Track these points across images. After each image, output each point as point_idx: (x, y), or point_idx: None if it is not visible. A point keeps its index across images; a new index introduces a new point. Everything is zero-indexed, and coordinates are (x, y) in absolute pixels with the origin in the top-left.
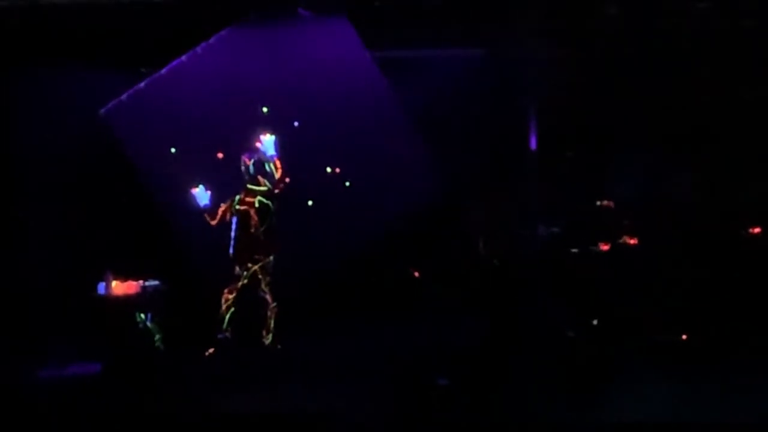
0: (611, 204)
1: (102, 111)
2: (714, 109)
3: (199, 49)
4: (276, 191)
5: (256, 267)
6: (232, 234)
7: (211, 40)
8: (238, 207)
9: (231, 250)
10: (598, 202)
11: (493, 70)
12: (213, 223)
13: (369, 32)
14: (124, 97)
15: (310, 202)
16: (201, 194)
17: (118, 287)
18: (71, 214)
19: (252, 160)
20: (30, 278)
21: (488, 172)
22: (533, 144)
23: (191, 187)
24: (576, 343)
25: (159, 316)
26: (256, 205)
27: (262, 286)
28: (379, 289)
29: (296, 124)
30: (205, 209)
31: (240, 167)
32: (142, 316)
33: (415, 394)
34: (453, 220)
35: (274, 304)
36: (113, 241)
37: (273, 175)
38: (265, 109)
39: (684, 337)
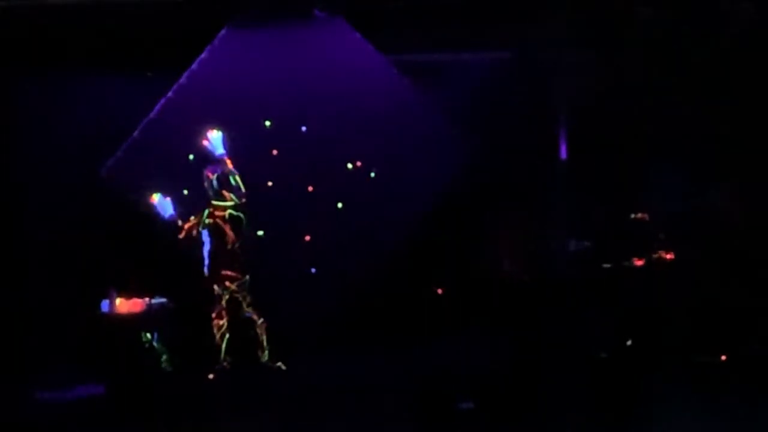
0: (646, 216)
1: (102, 172)
2: (755, 117)
3: (196, 66)
4: (243, 201)
5: (233, 286)
6: (205, 251)
7: (208, 54)
8: (207, 221)
9: (206, 270)
10: (632, 215)
11: (520, 74)
12: (180, 236)
13: (388, 35)
14: (120, 152)
15: (339, 205)
16: (162, 203)
17: (123, 305)
18: (73, 228)
19: (215, 174)
20: (30, 296)
21: (515, 182)
22: (563, 152)
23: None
24: (609, 365)
25: (166, 335)
26: (226, 217)
27: (244, 306)
28: (399, 306)
29: (303, 129)
30: (170, 220)
31: (203, 183)
32: (148, 335)
33: (436, 419)
34: (477, 233)
35: (261, 320)
36: (117, 256)
37: (239, 188)
38: (267, 123)
39: (723, 358)
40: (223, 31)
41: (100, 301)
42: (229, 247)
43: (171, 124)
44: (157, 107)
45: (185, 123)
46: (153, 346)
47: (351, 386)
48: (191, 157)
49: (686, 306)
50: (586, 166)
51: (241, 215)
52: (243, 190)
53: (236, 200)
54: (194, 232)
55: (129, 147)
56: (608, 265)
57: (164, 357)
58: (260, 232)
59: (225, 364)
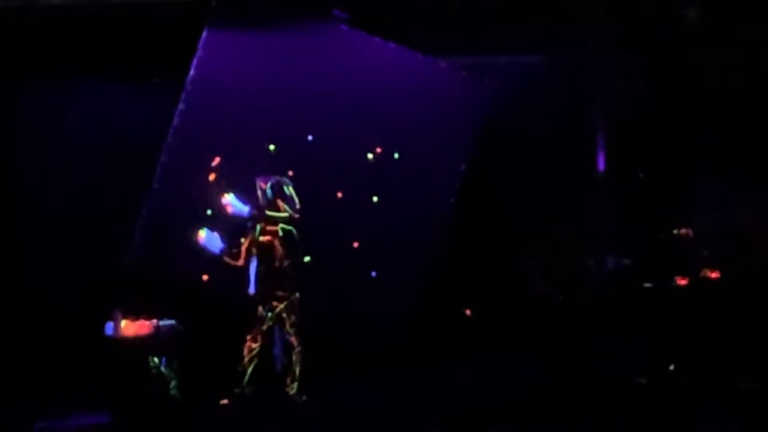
0: (689, 232)
1: (127, 263)
2: None
3: (182, 106)
4: (296, 216)
5: (281, 306)
6: (253, 270)
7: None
8: (261, 238)
9: (252, 289)
10: (675, 231)
11: (555, 80)
12: (239, 263)
13: (417, 37)
14: (136, 237)
15: (375, 198)
16: (210, 239)
17: (129, 327)
18: (75, 244)
19: (269, 183)
20: (30, 318)
21: (549, 195)
22: (601, 164)
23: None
24: (649, 391)
25: (175, 360)
26: (280, 233)
27: (287, 327)
28: (424, 328)
29: (310, 138)
30: (223, 253)
31: (256, 192)
32: (156, 360)
33: None
34: (509, 250)
35: (299, 348)
36: (122, 274)
37: (293, 199)
38: (272, 147)
39: None
40: (212, 34)
41: (103, 323)
42: (278, 264)
43: (182, 186)
44: (159, 172)
45: (197, 165)
46: (161, 372)
47: (375, 415)
48: (209, 212)
49: (732, 328)
50: (626, 179)
51: (293, 230)
52: (297, 202)
53: (290, 211)
54: (253, 252)
55: (141, 228)
56: (649, 285)
57: (173, 384)
58: (307, 258)
59: (245, 391)
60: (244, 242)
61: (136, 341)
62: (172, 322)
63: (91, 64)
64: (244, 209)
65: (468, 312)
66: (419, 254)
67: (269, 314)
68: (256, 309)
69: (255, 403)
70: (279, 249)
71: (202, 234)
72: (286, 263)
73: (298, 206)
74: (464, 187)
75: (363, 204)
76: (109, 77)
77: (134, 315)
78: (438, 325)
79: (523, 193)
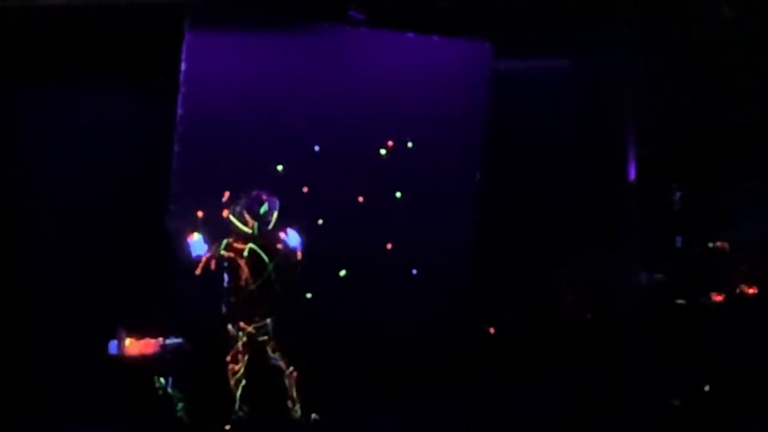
0: (725, 246)
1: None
2: None
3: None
4: (278, 246)
5: (250, 328)
6: (225, 286)
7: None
8: (223, 253)
9: (223, 307)
10: (710, 244)
11: (583, 85)
12: (196, 273)
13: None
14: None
15: (398, 194)
16: (197, 244)
17: (133, 346)
18: (77, 259)
19: (249, 196)
20: (28, 335)
21: (577, 207)
22: (632, 174)
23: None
24: (683, 414)
25: (182, 380)
26: (245, 254)
27: (269, 352)
28: (447, 346)
29: (317, 148)
30: (196, 260)
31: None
32: (162, 380)
33: None
34: (535, 265)
35: (290, 369)
36: (127, 290)
37: (267, 222)
38: (280, 167)
39: None
40: (233, 35)
41: (107, 342)
42: (243, 284)
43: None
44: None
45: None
46: (167, 393)
47: None
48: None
49: None
50: (658, 189)
51: (263, 255)
52: (270, 226)
53: (255, 231)
54: (212, 266)
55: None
56: (683, 301)
57: (180, 405)
58: (342, 272)
59: (241, 414)
60: (207, 253)
61: (141, 361)
62: (179, 340)
63: (93, 65)
64: (201, 251)
65: (491, 330)
66: (456, 245)
67: (239, 333)
68: (227, 328)
69: (260, 425)
70: (244, 269)
71: (195, 237)
72: (251, 286)
73: (291, 245)
74: (487, 198)
75: (387, 203)
76: (112, 80)
77: (139, 333)
78: (459, 343)
79: (549, 205)
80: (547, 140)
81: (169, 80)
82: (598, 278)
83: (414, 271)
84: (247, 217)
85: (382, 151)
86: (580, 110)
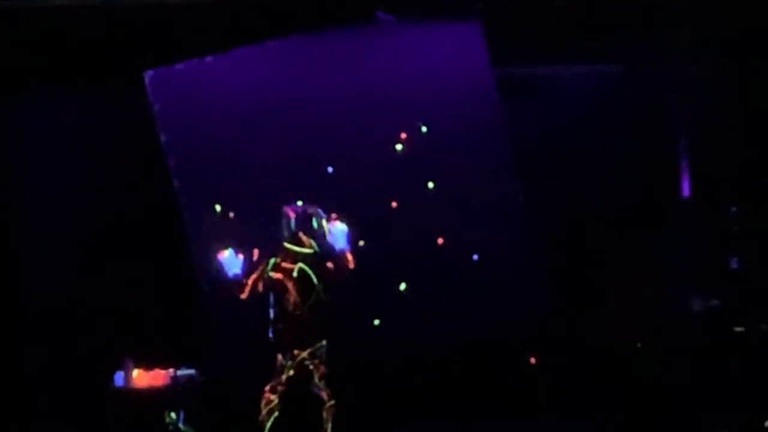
0: None
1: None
2: None
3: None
4: (329, 265)
5: (304, 354)
6: (271, 311)
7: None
8: (271, 274)
9: (270, 333)
10: None
11: (633, 93)
12: (243, 296)
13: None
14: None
15: (430, 184)
16: (231, 260)
17: (141, 378)
18: (78, 282)
19: (296, 213)
20: (26, 366)
21: (624, 226)
22: (685, 190)
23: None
24: None
25: (194, 415)
26: (295, 274)
27: (315, 379)
28: (482, 377)
29: (330, 170)
30: (235, 279)
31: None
32: (173, 415)
33: None
34: (579, 290)
35: (331, 402)
36: (134, 317)
37: (323, 235)
38: (330, 169)
39: None
40: (272, 42)
41: (113, 373)
42: (291, 308)
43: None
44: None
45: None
46: (179, 429)
47: None
48: None
49: None
50: (714, 207)
51: (313, 277)
52: (327, 238)
53: (316, 249)
54: (260, 288)
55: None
56: (741, 329)
57: None
58: (402, 286)
59: None
60: (254, 275)
61: (150, 393)
62: (192, 371)
63: (96, 68)
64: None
65: (533, 360)
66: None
67: (289, 362)
68: (275, 356)
69: None
70: (292, 292)
71: (226, 253)
72: (300, 309)
73: (341, 253)
74: (527, 215)
75: (422, 197)
76: (117, 84)
77: (148, 363)
78: (496, 374)
79: (595, 224)
80: (594, 153)
81: None
82: (648, 304)
83: (475, 257)
84: (304, 237)
85: (398, 147)
86: (629, 120)
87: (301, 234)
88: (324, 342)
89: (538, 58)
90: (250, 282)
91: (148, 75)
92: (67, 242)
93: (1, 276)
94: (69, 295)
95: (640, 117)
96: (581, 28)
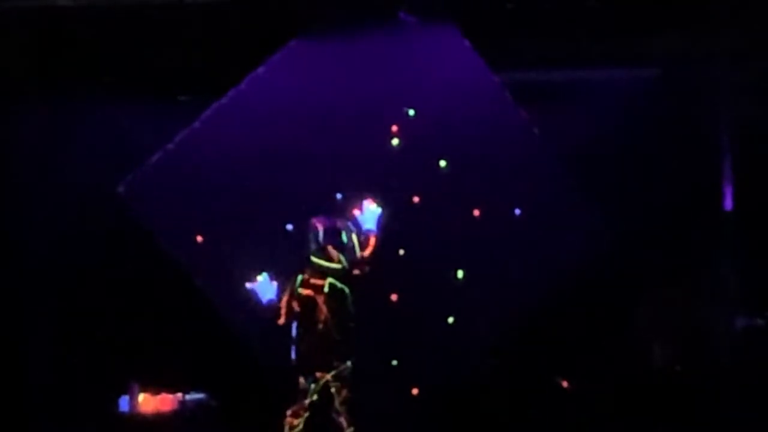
0: None
1: (121, 188)
2: None
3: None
4: (355, 272)
5: (328, 376)
6: (293, 331)
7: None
8: (301, 291)
9: (293, 354)
10: None
11: (671, 98)
12: (280, 322)
13: (499, 46)
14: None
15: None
16: (265, 287)
17: (148, 402)
18: (83, 305)
19: (324, 226)
20: (28, 389)
21: (664, 240)
22: (728, 202)
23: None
24: None
25: None
26: (326, 289)
27: (336, 404)
28: (511, 401)
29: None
30: (269, 305)
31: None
32: None
33: None
34: (616, 307)
35: (351, 429)
36: (141, 339)
37: (353, 250)
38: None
39: None
40: (292, 42)
41: (118, 397)
42: (321, 326)
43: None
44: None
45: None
46: None
47: None
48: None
49: None
50: (759, 219)
51: (346, 289)
52: (359, 254)
53: (345, 264)
54: (295, 307)
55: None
56: None
57: None
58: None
59: None
60: (284, 296)
61: (157, 419)
62: (201, 395)
63: (106, 76)
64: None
65: (565, 383)
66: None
67: (312, 386)
68: (298, 380)
69: None
70: (323, 308)
71: (259, 278)
72: (331, 327)
73: (361, 260)
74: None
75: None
76: (127, 93)
77: (155, 387)
78: (529, 397)
79: (631, 238)
80: (632, 161)
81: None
82: (690, 324)
83: (517, 211)
84: (332, 252)
85: (443, 163)
86: (666, 128)
87: (330, 248)
88: (349, 363)
89: (564, 61)
90: (283, 304)
91: (120, 190)
92: (72, 261)
93: (6, 297)
94: (71, 318)
95: (679, 124)
96: (617, 29)
